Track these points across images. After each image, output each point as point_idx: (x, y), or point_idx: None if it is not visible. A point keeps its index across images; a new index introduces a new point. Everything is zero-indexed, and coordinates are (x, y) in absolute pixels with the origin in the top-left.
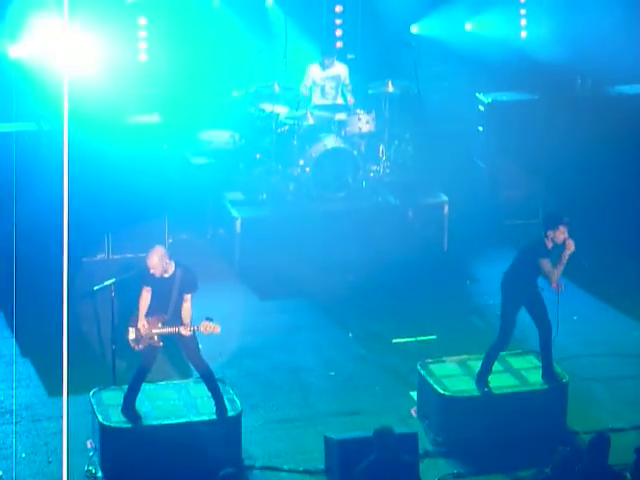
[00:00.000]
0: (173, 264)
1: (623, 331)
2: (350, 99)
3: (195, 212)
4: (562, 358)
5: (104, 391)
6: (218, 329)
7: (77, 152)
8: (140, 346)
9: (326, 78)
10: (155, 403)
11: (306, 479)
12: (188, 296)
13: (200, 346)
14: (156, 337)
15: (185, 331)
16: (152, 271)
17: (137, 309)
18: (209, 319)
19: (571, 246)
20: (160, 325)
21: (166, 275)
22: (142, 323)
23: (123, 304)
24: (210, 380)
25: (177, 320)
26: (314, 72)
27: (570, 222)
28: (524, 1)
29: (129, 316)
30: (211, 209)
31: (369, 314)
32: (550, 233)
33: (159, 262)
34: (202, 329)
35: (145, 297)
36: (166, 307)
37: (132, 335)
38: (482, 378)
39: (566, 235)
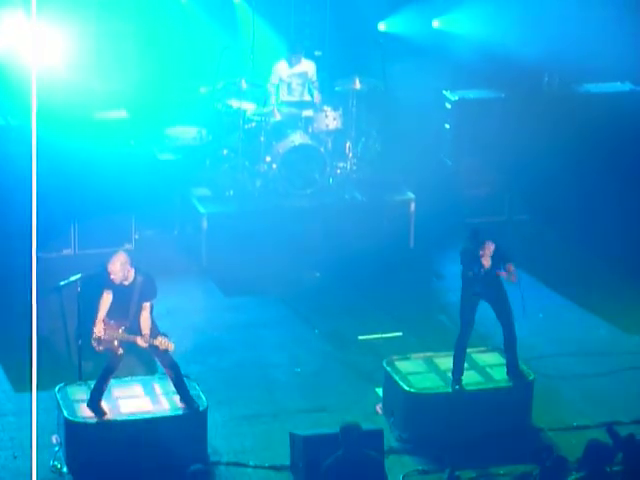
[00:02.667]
0: (133, 271)
1: (588, 329)
2: (317, 96)
3: (162, 208)
4: (528, 356)
5: (69, 386)
6: (172, 346)
7: (45, 148)
8: (101, 347)
9: (292, 75)
10: (120, 398)
11: (271, 475)
12: (147, 304)
13: None
14: (116, 342)
15: (141, 342)
16: (112, 277)
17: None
18: (164, 335)
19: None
20: (120, 331)
21: (126, 283)
22: (99, 327)
23: (89, 300)
24: (176, 376)
25: (137, 329)
26: (281, 69)
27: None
28: None
29: (95, 312)
30: (178, 205)
31: (335, 311)
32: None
33: (120, 269)
34: (157, 343)
35: (105, 300)
36: (126, 314)
37: (95, 335)
38: (456, 376)
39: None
